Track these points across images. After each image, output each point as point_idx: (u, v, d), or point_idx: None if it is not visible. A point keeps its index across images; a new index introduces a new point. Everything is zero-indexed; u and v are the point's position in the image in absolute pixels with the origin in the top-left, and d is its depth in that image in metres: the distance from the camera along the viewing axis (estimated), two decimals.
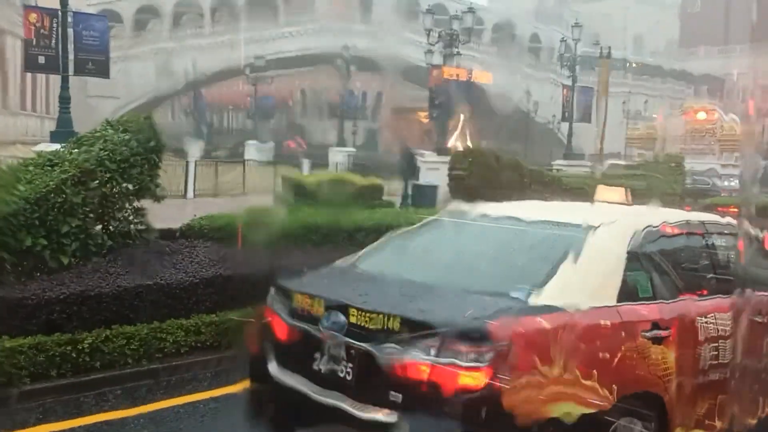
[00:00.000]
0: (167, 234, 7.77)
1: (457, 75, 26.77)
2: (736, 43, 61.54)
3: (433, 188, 16.33)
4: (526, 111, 51.79)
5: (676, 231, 4.36)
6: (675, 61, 69.95)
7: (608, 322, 3.56)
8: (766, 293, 4.61)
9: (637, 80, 64.80)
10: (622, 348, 3.57)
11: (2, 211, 5.66)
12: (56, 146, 7.94)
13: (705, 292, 4.26)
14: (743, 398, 4.39)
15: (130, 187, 6.96)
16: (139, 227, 7.20)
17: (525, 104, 50.46)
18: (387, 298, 3.57)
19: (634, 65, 64.30)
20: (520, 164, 12.75)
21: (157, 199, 7.32)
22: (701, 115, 39.28)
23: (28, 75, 33.70)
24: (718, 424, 4.20)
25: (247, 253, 7.17)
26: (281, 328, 3.91)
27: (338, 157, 31.59)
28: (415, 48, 43.60)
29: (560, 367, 3.27)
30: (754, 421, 4.47)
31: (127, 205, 7.06)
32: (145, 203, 7.27)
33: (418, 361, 3.21)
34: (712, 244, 4.55)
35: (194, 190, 20.22)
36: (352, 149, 36.65)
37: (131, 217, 7.13)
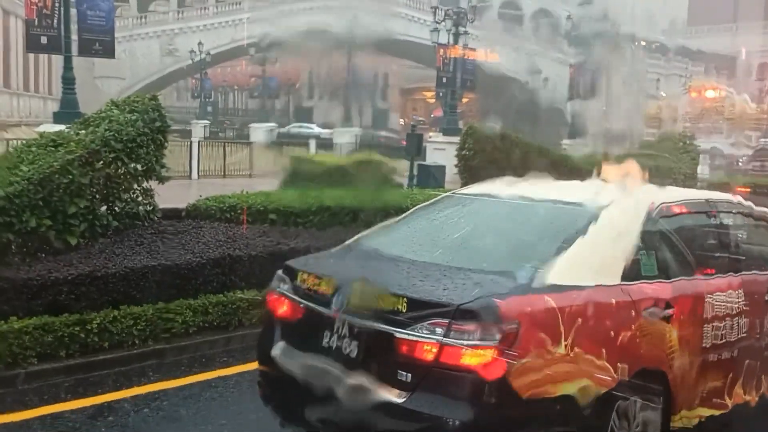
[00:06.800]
0: (171, 214, 7.75)
1: (465, 54, 26.56)
2: (744, 21, 60.88)
3: (441, 168, 16.30)
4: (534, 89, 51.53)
5: (686, 210, 4.33)
6: (684, 38, 69.14)
7: (616, 301, 3.55)
8: None
9: (645, 58, 64.04)
10: (630, 326, 3.56)
11: (6, 191, 5.64)
12: (59, 127, 7.91)
13: (713, 271, 4.24)
14: (750, 376, 4.40)
15: (138, 167, 6.93)
16: (147, 208, 7.19)
17: (534, 83, 50.13)
18: (395, 277, 3.55)
19: (643, 43, 63.59)
20: (526, 143, 12.66)
21: (162, 180, 7.30)
22: (710, 93, 39.03)
23: (31, 56, 33.54)
24: (725, 401, 4.20)
25: (255, 234, 7.17)
26: (289, 308, 3.90)
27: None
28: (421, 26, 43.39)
29: (568, 346, 3.26)
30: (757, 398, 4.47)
31: (135, 185, 7.04)
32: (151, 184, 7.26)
33: (427, 341, 3.20)
34: (722, 222, 4.52)
35: (199, 171, 20.17)
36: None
37: (140, 198, 7.12)
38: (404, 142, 26.72)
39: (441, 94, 29.75)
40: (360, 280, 3.54)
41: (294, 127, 43.51)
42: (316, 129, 43.06)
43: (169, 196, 7.95)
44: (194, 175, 19.92)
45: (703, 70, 62.73)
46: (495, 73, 47.55)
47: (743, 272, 4.40)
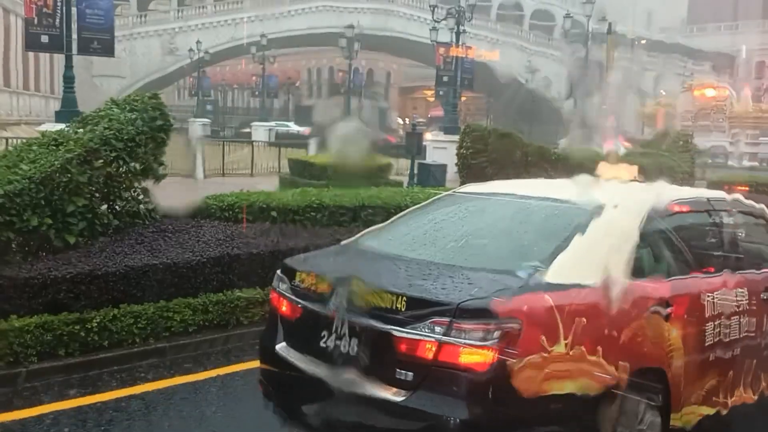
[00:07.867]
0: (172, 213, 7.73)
1: (465, 52, 26.57)
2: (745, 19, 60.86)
3: (441, 167, 16.32)
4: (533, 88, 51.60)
5: (685, 208, 4.33)
6: (683, 37, 69.09)
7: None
8: None
9: (644, 56, 63.97)
10: (630, 325, 3.56)
11: (7, 190, 5.64)
12: (60, 126, 7.90)
13: (713, 269, 4.25)
14: (749, 374, 4.40)
15: (137, 166, 6.93)
16: (148, 207, 7.19)
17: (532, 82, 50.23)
18: (394, 276, 3.56)
19: (643, 41, 63.53)
20: (526, 143, 12.67)
21: (158, 179, 7.25)
22: (710, 92, 38.98)
23: (32, 54, 33.50)
24: (724, 399, 4.20)
25: (254, 233, 7.16)
26: (288, 307, 3.91)
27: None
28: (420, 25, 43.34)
29: (567, 345, 3.26)
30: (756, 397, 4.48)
31: (135, 184, 7.04)
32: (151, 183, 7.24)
33: (426, 340, 3.21)
34: (721, 221, 4.52)
35: (203, 171, 20.14)
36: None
37: (140, 197, 7.12)
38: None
39: (441, 92, 29.76)
40: (359, 278, 3.54)
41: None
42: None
43: (170, 195, 7.95)
44: (199, 174, 19.86)
45: (704, 68, 62.67)
46: (493, 72, 47.54)
47: (742, 270, 4.41)
